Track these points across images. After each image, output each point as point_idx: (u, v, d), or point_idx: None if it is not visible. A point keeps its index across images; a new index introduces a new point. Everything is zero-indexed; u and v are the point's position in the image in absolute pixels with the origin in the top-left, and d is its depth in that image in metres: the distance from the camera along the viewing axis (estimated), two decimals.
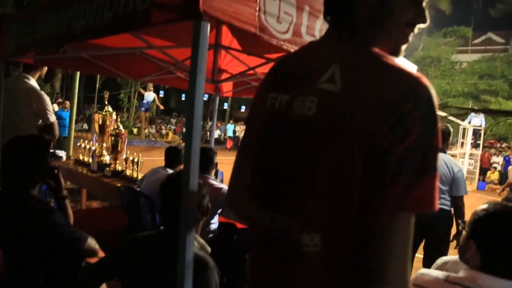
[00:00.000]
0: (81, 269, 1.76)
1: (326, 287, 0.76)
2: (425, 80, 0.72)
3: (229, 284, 2.45)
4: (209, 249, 1.55)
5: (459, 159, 13.97)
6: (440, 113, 11.96)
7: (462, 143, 13.88)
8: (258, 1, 1.47)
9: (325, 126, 0.75)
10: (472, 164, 13.68)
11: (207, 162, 2.98)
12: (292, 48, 1.61)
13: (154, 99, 15.98)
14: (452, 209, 3.29)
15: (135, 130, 17.07)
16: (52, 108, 3.33)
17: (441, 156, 3.19)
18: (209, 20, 1.29)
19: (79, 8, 1.86)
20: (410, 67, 2.93)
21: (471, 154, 13.63)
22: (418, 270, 1.28)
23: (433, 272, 1.22)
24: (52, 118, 3.24)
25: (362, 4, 0.82)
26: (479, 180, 13.78)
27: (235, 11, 1.38)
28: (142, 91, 15.68)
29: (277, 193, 0.83)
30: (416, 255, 3.53)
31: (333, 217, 0.74)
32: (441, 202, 3.20)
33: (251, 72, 3.42)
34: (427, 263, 3.11)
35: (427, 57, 24.04)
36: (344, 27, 0.84)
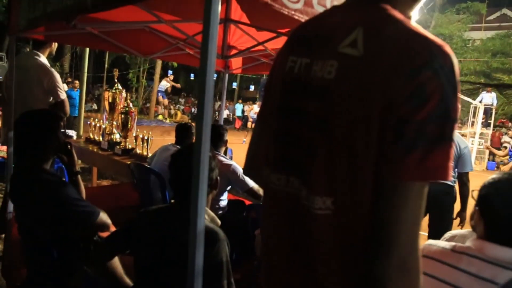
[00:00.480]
0: (94, 242, 1.79)
1: (337, 250, 0.76)
2: (448, 49, 0.70)
3: (238, 260, 2.48)
4: (219, 222, 1.56)
5: (469, 138, 13.82)
6: None
7: (473, 122, 13.69)
8: None
9: (344, 91, 0.74)
10: (482, 144, 13.51)
11: (218, 139, 2.98)
12: (303, 19, 1.57)
13: (166, 88, 16.02)
14: (454, 185, 3.34)
15: (160, 117, 16.44)
16: (62, 85, 3.34)
17: None
18: None
19: None
20: None
21: (481, 134, 13.46)
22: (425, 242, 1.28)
23: (440, 243, 1.23)
24: (63, 95, 3.25)
25: None
26: (488, 159, 13.62)
27: None
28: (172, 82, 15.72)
29: (292, 157, 0.83)
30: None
31: (346, 182, 0.74)
32: None
33: (261, 48, 3.37)
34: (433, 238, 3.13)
35: (439, 34, 23.47)
36: None
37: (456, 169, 3.31)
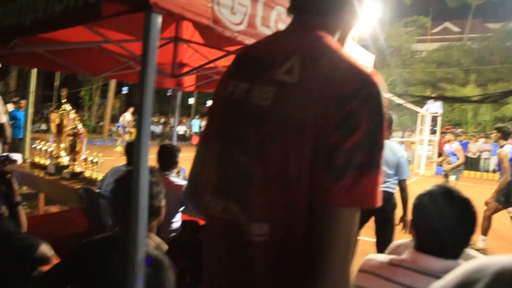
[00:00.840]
0: (33, 279, 1.67)
1: (275, 275, 0.77)
2: (377, 78, 0.74)
3: (193, 282, 2.41)
4: (165, 247, 1.52)
5: (417, 145, 14.51)
6: (399, 101, 12.39)
7: (421, 130, 14.40)
8: None
9: (279, 117, 0.76)
10: (430, 150, 14.20)
11: (170, 160, 2.92)
12: (247, 40, 1.59)
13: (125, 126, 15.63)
14: (394, 192, 3.53)
15: (118, 148, 15.56)
16: (4, 107, 3.15)
17: (389, 143, 3.50)
18: (160, 12, 1.25)
19: (28, 0, 1.76)
20: (369, 57, 2.94)
21: (429, 140, 14.15)
22: (366, 255, 1.31)
23: (379, 257, 1.27)
24: (2, 118, 3.06)
25: None
26: (437, 165, 14.33)
27: (187, 2, 1.35)
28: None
29: (231, 182, 0.83)
30: (366, 239, 3.95)
31: (282, 208, 0.75)
32: (387, 185, 3.45)
33: (212, 65, 3.37)
34: (379, 245, 3.41)
35: (389, 46, 24.67)
36: (308, 16, 0.86)
37: (396, 177, 3.49)
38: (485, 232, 4.97)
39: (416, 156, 14.85)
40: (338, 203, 0.70)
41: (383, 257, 1.25)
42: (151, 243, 1.38)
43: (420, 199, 1.23)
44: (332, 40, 0.81)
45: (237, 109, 0.84)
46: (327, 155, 0.70)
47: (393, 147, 3.51)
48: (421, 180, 12.25)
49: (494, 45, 23.84)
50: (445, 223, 1.14)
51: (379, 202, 0.71)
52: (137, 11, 1.30)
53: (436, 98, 13.81)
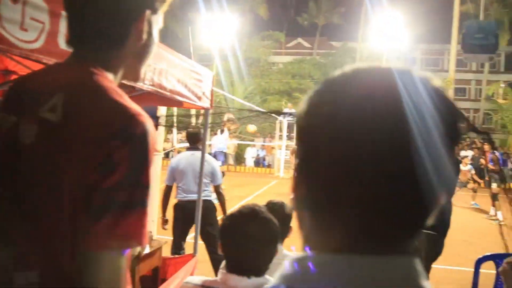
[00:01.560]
0: None
1: None
2: (143, 118, 0.73)
3: None
4: None
5: (277, 150, 15.67)
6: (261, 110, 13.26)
7: (280, 136, 15.60)
8: None
9: (40, 157, 0.72)
10: (288, 154, 15.47)
11: None
12: (45, 59, 1.47)
13: None
14: (211, 199, 3.97)
15: None
16: None
17: (198, 154, 3.84)
18: None
19: None
20: (207, 74, 2.99)
21: (287, 145, 15.40)
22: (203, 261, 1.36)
23: (194, 280, 1.31)
24: None
25: (103, 29, 0.79)
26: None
27: None
28: None
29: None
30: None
31: (49, 254, 0.71)
32: (205, 194, 3.84)
33: None
34: (209, 248, 3.73)
35: (248, 58, 26.06)
36: (85, 51, 0.81)
37: (212, 184, 3.96)
38: None
39: (276, 160, 15.99)
40: (98, 246, 0.68)
41: (197, 280, 1.28)
42: None
43: (226, 220, 1.30)
44: (104, 78, 0.78)
45: (5, 144, 0.78)
46: (86, 196, 0.68)
47: (206, 158, 3.87)
48: (281, 182, 13.20)
49: (337, 61, 27.08)
50: (248, 243, 1.21)
51: (143, 243, 0.71)
52: None
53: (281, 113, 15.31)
